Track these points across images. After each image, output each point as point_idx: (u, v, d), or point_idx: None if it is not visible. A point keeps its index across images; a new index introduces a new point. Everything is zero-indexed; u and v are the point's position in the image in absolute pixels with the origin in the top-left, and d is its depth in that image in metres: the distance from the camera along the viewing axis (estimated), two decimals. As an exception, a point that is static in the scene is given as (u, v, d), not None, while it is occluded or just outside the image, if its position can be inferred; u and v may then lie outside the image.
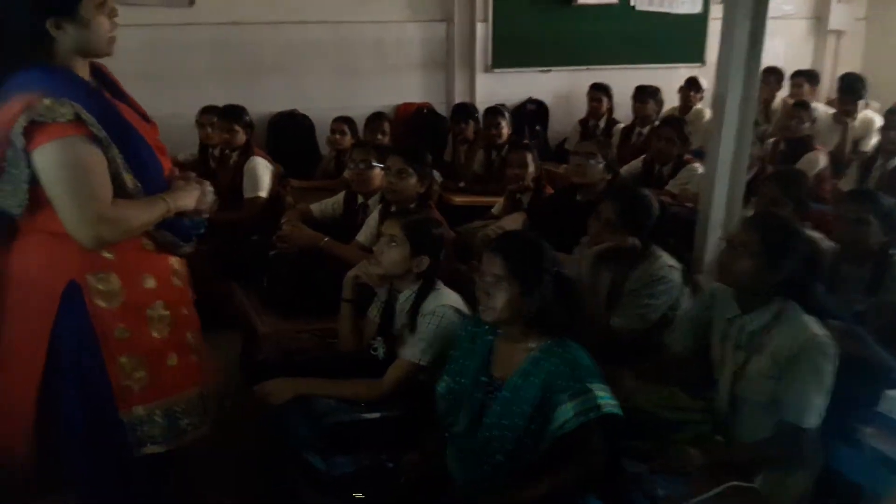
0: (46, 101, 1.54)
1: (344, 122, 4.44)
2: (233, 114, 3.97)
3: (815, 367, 1.84)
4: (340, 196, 3.35)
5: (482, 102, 5.28)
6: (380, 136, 4.39)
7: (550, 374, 1.75)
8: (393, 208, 2.82)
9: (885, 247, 2.42)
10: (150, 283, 1.78)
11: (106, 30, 1.68)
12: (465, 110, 4.93)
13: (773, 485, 1.88)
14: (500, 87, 5.61)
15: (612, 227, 2.41)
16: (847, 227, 2.47)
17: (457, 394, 1.90)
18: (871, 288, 2.41)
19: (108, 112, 1.65)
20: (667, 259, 2.45)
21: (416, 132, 5.18)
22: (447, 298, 2.19)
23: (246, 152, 3.92)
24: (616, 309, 2.41)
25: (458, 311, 2.16)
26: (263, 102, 5.01)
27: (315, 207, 3.36)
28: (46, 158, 1.56)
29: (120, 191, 1.65)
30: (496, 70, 5.63)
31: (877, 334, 2.29)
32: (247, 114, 4.04)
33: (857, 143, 4.80)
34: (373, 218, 2.99)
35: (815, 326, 1.90)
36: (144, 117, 1.83)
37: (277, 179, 3.98)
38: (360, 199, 3.20)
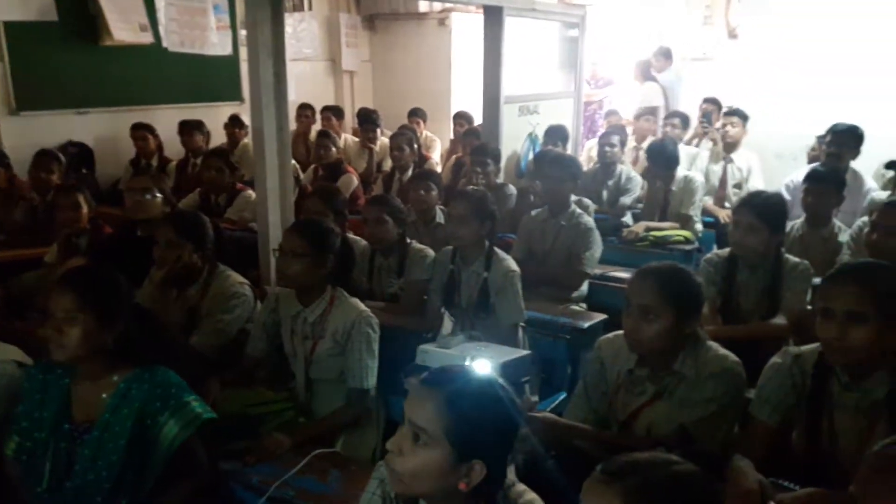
0: None
1: None
2: None
3: (366, 336, 2.24)
4: None
5: (13, 147, 4.79)
6: None
7: (143, 401, 1.75)
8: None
9: (402, 236, 3.01)
10: None
11: None
12: (-10, 156, 4.36)
13: (350, 444, 2.23)
14: (32, 130, 5.12)
15: (174, 246, 2.49)
16: (370, 226, 2.97)
17: (32, 452, 1.75)
18: (398, 273, 3.00)
19: None
20: (236, 277, 2.63)
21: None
22: (4, 353, 2.02)
23: None
24: (196, 329, 2.49)
25: (19, 364, 2.01)
26: None
27: None
28: None
29: None
30: (23, 112, 5.14)
31: (406, 306, 2.89)
32: None
33: (379, 164, 5.73)
34: None
35: (360, 305, 2.32)
36: None
37: None
38: None
